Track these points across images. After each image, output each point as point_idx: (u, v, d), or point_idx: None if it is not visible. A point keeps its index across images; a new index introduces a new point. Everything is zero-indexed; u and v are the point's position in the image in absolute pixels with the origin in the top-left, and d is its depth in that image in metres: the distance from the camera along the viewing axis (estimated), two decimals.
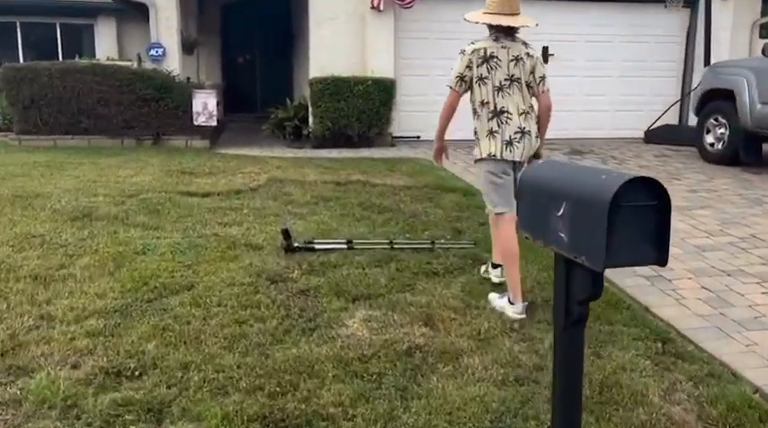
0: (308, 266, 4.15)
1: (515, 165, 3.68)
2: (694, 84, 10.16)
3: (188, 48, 11.98)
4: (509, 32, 3.62)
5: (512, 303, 3.50)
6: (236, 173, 6.90)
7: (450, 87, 3.83)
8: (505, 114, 3.64)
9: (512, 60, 3.62)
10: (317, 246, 4.40)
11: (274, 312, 3.45)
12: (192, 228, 4.84)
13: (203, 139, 9.41)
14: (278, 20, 13.95)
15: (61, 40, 14.64)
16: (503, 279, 3.80)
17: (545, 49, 10.75)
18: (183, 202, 5.54)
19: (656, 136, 10.33)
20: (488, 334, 3.26)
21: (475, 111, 3.78)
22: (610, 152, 9.20)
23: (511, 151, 3.64)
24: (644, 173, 6.87)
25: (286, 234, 4.37)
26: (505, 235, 3.65)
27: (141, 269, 3.97)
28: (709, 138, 8.41)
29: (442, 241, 4.73)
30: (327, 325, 3.32)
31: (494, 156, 3.65)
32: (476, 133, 3.80)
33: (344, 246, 4.48)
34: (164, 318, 3.31)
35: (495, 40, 3.63)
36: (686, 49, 11.13)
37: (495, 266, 3.98)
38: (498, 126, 3.65)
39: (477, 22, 3.65)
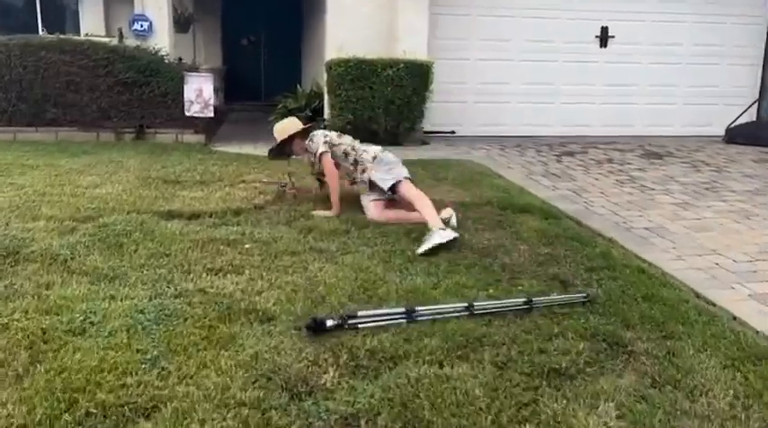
0: (349, 358, 2.52)
1: None
2: None
3: (182, 24, 10.29)
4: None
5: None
6: (235, 183, 5.25)
7: None
8: None
9: None
10: (362, 323, 2.77)
11: None
12: (167, 279, 3.20)
13: (197, 134, 7.75)
14: None
15: (42, 17, 12.96)
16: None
17: (604, 30, 9.09)
18: (159, 230, 3.90)
19: (739, 135, 8.64)
20: None
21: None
22: (694, 155, 7.54)
23: None
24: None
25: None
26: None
27: (71, 368, 2.34)
28: None
29: (544, 299, 3.11)
30: None
31: None
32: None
33: (403, 318, 2.86)
34: None
35: None
36: None
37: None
38: None
39: None
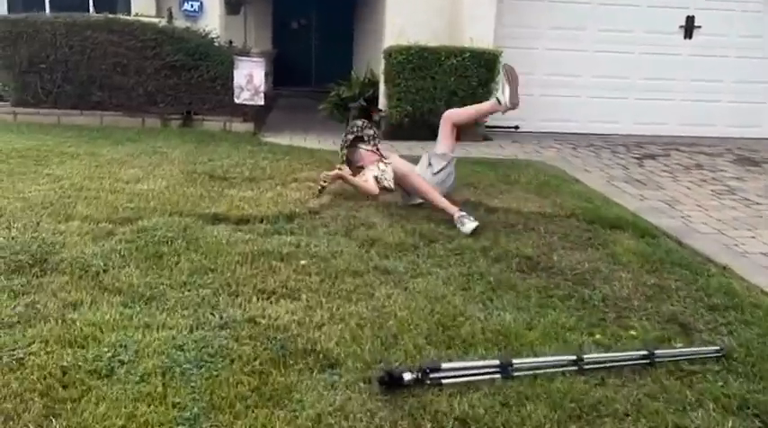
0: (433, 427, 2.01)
1: None
2: None
3: (233, 5, 9.82)
4: None
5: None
6: (287, 181, 4.76)
7: None
8: None
9: None
10: (446, 378, 2.24)
11: None
12: (212, 303, 2.73)
13: (246, 122, 7.31)
14: None
15: None
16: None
17: (689, 20, 8.27)
18: (204, 238, 3.43)
19: None
20: None
21: None
22: None
23: None
24: None
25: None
26: None
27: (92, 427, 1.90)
28: None
29: (667, 352, 2.53)
30: None
31: None
32: None
33: (496, 372, 2.31)
34: None
35: None
36: None
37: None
38: None
39: None
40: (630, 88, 8.34)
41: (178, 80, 7.16)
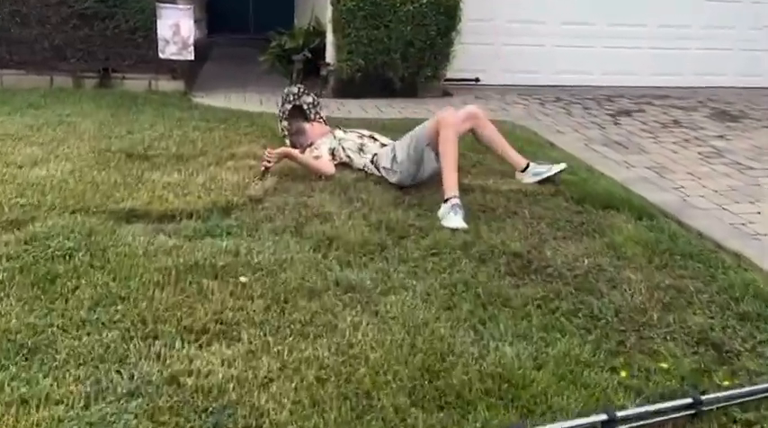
0: None
1: None
2: None
3: None
4: None
5: None
6: (223, 158, 3.98)
7: None
8: None
9: None
10: None
11: None
12: (119, 353, 2.02)
13: (175, 80, 6.39)
14: None
15: None
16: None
17: None
18: (114, 247, 2.68)
19: None
20: None
21: None
22: None
23: None
24: None
25: None
26: None
27: None
28: None
29: (716, 396, 2.00)
30: None
31: None
32: None
33: None
34: None
35: None
36: None
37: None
38: None
39: None
40: (598, 35, 7.73)
41: (90, 31, 6.13)
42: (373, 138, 4.00)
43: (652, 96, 7.13)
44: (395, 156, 3.71)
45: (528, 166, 3.88)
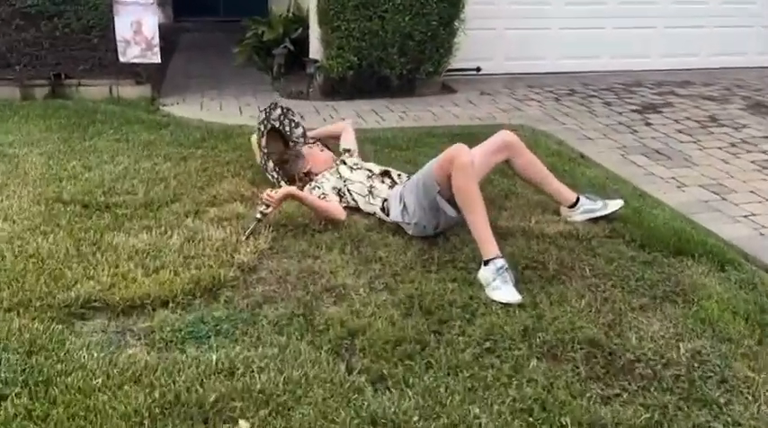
0: None
1: None
2: None
3: None
4: None
5: None
6: (203, 204, 3.20)
7: None
8: None
9: None
10: None
11: None
12: None
13: (140, 85, 5.57)
14: None
15: None
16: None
17: None
18: (62, 378, 1.93)
19: None
20: None
21: None
22: None
23: None
24: None
25: None
26: None
27: None
28: None
29: None
30: None
31: None
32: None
33: None
34: None
35: None
36: None
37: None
38: None
39: None
40: (608, 15, 7.03)
41: (37, 32, 5.27)
42: (387, 174, 3.28)
43: (673, 84, 6.47)
44: (405, 205, 2.97)
45: (578, 201, 3.21)
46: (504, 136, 3.14)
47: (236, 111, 5.29)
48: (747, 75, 6.94)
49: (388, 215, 3.07)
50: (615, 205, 3.23)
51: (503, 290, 2.54)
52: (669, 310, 2.52)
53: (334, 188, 3.23)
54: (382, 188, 3.15)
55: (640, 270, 2.79)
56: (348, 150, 3.60)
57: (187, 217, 3.07)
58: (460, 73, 6.56)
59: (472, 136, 4.62)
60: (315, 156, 3.47)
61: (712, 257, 2.91)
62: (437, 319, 2.37)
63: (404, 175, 3.26)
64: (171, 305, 2.38)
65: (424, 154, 4.19)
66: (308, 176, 3.43)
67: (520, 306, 2.48)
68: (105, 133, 4.33)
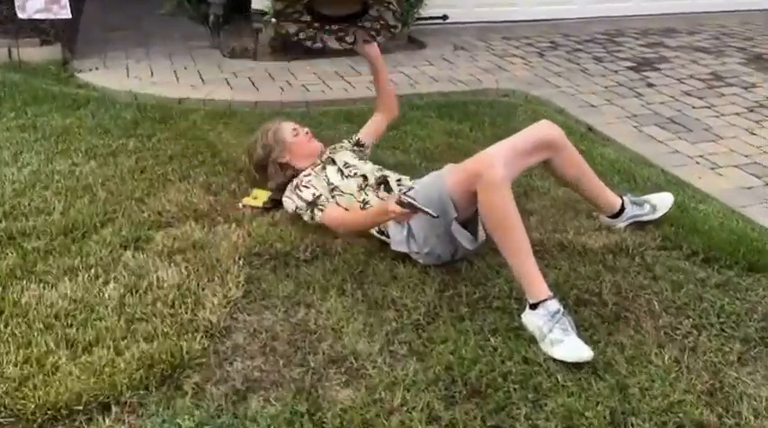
0: None
1: None
2: None
3: None
4: None
5: None
6: (144, 224, 2.38)
7: None
8: None
9: None
10: None
11: None
12: None
13: (47, 45, 4.54)
14: None
15: None
16: None
17: None
18: None
19: None
20: None
21: None
22: None
23: None
24: None
25: None
26: None
27: None
28: None
29: None
30: None
31: None
32: None
33: None
34: None
35: None
36: None
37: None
38: None
39: None
40: None
41: None
42: (384, 183, 2.53)
43: (657, 32, 5.92)
44: (410, 231, 2.26)
45: (623, 209, 2.59)
46: (546, 130, 2.42)
47: (172, 77, 4.37)
48: (728, 20, 6.45)
49: (388, 237, 2.37)
50: (664, 206, 2.65)
51: (566, 345, 1.93)
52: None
53: (319, 196, 2.49)
54: (376, 203, 2.42)
55: (716, 298, 2.23)
56: (362, 145, 2.83)
57: (125, 248, 2.28)
58: (426, 22, 5.77)
59: (463, 107, 3.96)
60: (301, 144, 2.69)
61: None
62: (493, 407, 1.73)
63: (405, 180, 2.54)
64: (114, 409, 1.64)
65: (411, 134, 3.48)
66: (283, 169, 2.65)
67: (594, 372, 1.87)
68: (4, 117, 3.38)
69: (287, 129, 2.66)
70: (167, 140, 3.16)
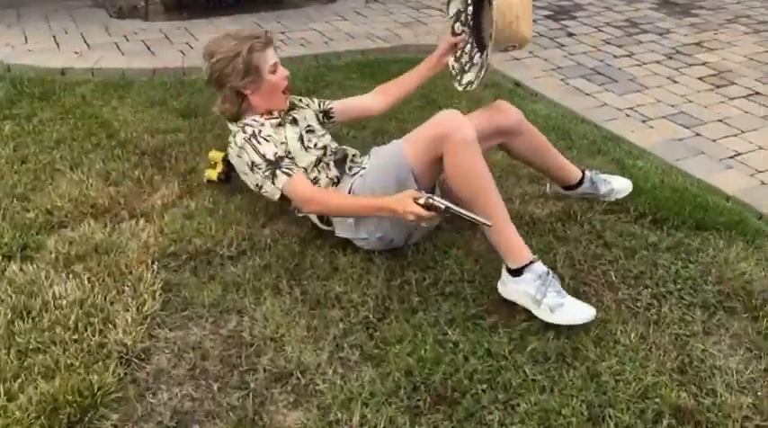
0: None
1: None
2: None
3: None
4: None
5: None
6: (32, 227, 2.00)
7: None
8: None
9: None
10: None
11: None
12: None
13: None
14: None
15: None
16: None
17: None
18: None
19: None
20: None
21: None
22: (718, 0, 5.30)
23: None
24: None
25: None
26: None
27: None
28: None
29: None
30: None
31: None
32: None
33: None
34: None
35: None
36: None
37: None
38: None
39: None
40: None
41: None
42: (343, 161, 2.18)
43: None
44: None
45: (583, 179, 2.42)
46: (503, 113, 2.20)
47: (51, 43, 3.82)
48: None
49: (329, 225, 2.11)
50: (626, 188, 2.45)
51: (568, 308, 1.80)
52: (735, 327, 1.91)
53: (280, 157, 2.03)
54: (325, 184, 2.13)
55: (670, 263, 2.14)
56: (331, 117, 2.38)
57: (9, 259, 1.90)
58: None
59: (386, 66, 3.70)
60: (274, 87, 2.11)
61: (736, 229, 2.34)
62: (463, 415, 1.55)
63: (360, 159, 2.23)
64: None
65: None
66: (238, 99, 2.09)
67: (563, 360, 1.73)
68: None
69: (268, 58, 2.09)
70: (51, 121, 2.71)
